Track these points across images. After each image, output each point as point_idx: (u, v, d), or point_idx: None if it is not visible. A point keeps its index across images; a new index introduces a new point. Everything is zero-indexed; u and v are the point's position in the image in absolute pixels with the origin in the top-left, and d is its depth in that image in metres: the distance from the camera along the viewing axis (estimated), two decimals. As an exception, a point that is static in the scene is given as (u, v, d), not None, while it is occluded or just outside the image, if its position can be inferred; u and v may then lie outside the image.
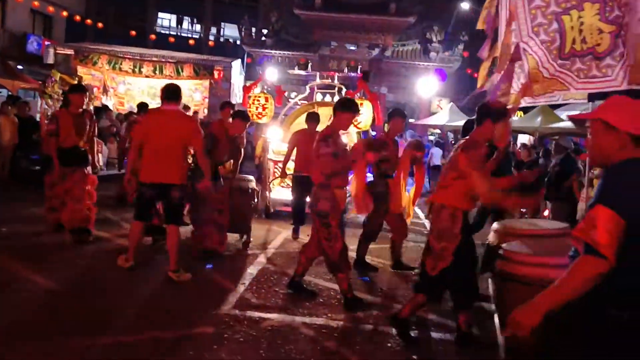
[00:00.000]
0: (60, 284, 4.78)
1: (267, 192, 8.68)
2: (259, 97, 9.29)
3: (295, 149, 7.61)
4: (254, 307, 4.60)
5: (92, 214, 6.42)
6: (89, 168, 6.41)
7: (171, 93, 5.23)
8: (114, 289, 4.78)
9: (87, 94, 6.42)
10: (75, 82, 12.63)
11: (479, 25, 6.03)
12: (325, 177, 4.62)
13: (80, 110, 6.34)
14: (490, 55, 5.92)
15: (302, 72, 10.74)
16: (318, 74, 10.11)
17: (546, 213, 8.44)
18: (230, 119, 6.68)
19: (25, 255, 5.49)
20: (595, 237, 1.80)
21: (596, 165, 2.11)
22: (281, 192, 8.70)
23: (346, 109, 4.84)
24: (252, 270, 5.74)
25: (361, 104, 8.57)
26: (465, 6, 25.87)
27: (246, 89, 10.23)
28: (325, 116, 9.57)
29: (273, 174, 8.85)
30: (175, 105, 5.30)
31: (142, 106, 8.63)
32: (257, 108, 9.17)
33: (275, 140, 9.09)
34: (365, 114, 8.57)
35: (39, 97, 21.43)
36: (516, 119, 20.27)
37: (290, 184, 8.21)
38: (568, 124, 15.21)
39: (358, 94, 8.97)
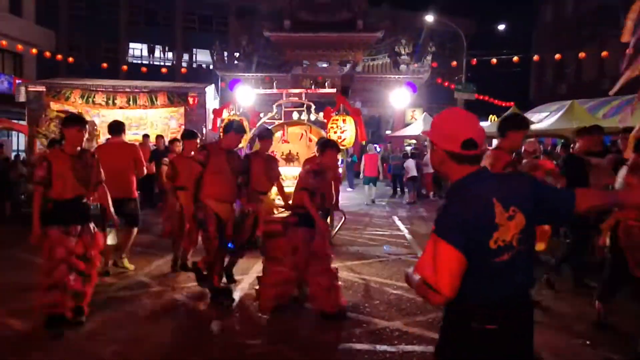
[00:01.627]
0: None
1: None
2: (234, 120, 9.09)
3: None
4: (238, 334, 4.67)
5: (89, 287, 4.91)
6: (93, 225, 4.92)
7: (115, 128, 6.67)
8: (96, 325, 4.82)
9: (87, 127, 4.92)
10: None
11: (624, 38, 5.84)
12: None
13: (79, 149, 4.85)
14: (636, 68, 5.68)
15: (268, 91, 10.51)
16: (284, 92, 9.84)
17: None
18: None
19: None
20: (436, 281, 1.86)
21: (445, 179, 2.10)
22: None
23: (517, 127, 4.45)
24: (234, 296, 5.74)
25: (343, 120, 8.58)
26: (430, 18, 26.47)
27: (216, 112, 9.85)
28: (296, 135, 9.31)
29: None
30: (119, 137, 6.68)
31: (189, 134, 7.11)
32: None
33: None
34: (349, 130, 8.57)
35: (13, 136, 21.36)
36: (489, 124, 20.71)
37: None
38: (534, 127, 15.60)
39: (337, 111, 8.82)
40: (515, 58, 20.37)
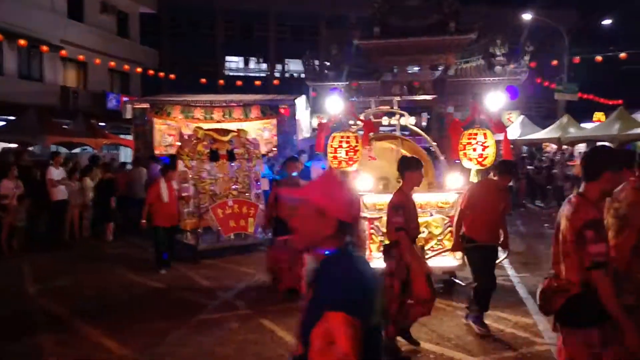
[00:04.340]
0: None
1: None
2: (347, 137, 7.33)
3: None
4: None
5: None
6: None
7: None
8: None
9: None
10: (226, 138, 10.70)
11: None
12: None
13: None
14: None
15: (357, 99, 10.05)
16: (373, 100, 8.98)
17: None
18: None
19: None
20: (342, 351, 1.64)
21: (303, 247, 1.91)
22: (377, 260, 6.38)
23: None
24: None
25: (484, 134, 7.24)
26: (527, 16, 25.26)
27: (322, 127, 8.25)
28: (384, 150, 8.19)
29: (369, 236, 7.12)
30: None
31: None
32: (347, 152, 7.28)
33: (368, 191, 7.25)
34: (490, 147, 7.22)
35: (120, 151, 22.99)
36: (593, 125, 19.42)
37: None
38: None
39: (469, 124, 7.57)
40: (623, 54, 18.95)
